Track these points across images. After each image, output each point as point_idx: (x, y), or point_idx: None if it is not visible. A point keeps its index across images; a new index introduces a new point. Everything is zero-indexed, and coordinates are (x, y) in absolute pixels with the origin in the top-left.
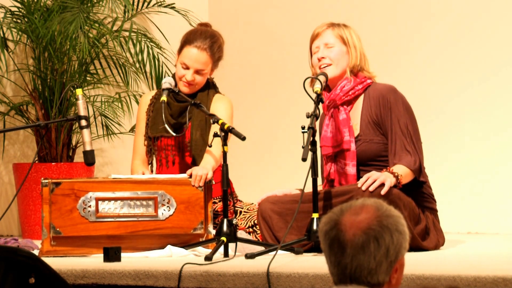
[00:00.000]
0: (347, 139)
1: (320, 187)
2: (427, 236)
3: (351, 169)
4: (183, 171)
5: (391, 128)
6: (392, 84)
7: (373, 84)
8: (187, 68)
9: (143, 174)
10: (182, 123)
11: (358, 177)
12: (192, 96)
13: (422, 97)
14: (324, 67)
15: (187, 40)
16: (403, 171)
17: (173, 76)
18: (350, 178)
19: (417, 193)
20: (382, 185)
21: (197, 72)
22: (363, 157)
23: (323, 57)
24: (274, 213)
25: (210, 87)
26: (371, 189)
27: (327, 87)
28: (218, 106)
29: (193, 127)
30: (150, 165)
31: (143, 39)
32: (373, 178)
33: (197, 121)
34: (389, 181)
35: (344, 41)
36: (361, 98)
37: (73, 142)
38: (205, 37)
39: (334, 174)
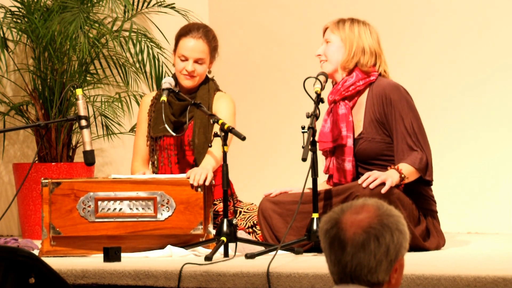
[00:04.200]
0: (344, 134)
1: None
2: (427, 238)
3: (348, 164)
4: (185, 170)
5: (395, 127)
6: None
7: (377, 81)
8: (186, 59)
9: (144, 174)
10: (183, 122)
11: (357, 175)
12: (193, 92)
13: (422, 96)
14: (321, 63)
15: (181, 33)
16: (407, 170)
17: (173, 76)
18: (348, 174)
19: (417, 195)
20: (383, 184)
21: (197, 61)
22: (364, 155)
23: (319, 54)
24: (275, 213)
25: (210, 84)
26: (371, 186)
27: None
28: (220, 104)
29: (195, 126)
30: (152, 165)
31: (143, 39)
32: (374, 176)
33: (199, 120)
34: (390, 180)
35: (340, 37)
36: (365, 94)
37: (73, 142)
38: (198, 27)
39: (333, 170)
